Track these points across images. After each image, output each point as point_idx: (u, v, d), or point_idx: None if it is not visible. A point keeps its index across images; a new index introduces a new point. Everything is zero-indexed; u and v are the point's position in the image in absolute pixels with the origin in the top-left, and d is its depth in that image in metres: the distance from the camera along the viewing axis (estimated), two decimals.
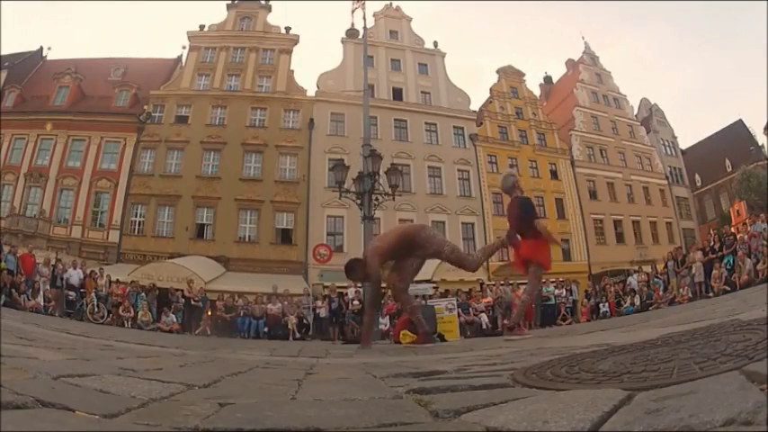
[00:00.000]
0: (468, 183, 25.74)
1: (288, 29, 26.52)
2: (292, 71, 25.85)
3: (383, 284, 5.90)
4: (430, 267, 18.64)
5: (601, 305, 13.97)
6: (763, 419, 0.63)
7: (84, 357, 2.27)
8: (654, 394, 0.94)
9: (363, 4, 12.72)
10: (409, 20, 28.91)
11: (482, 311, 13.42)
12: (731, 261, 11.26)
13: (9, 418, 0.81)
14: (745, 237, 11.42)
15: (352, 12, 13.39)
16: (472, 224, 24.85)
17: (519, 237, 5.29)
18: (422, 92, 27.12)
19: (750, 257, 10.74)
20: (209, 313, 13.45)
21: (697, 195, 34.10)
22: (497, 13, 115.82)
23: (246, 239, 22.30)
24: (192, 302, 13.63)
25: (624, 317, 11.11)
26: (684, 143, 35.43)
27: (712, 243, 12.61)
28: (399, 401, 1.23)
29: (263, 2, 27.16)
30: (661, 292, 13.14)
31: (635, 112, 33.62)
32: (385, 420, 0.95)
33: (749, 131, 35.62)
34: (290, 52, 26.12)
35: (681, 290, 12.39)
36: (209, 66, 25.39)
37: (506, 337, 5.05)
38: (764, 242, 10.59)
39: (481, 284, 16.46)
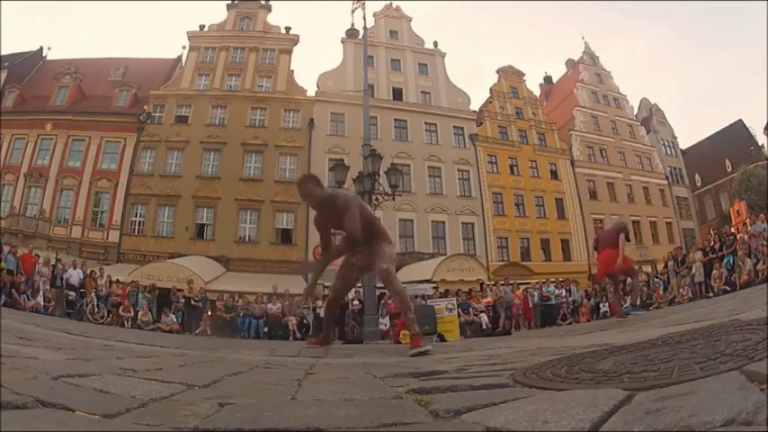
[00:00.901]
0: (468, 183, 25.74)
1: (288, 29, 26.53)
2: (292, 71, 25.87)
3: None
4: (430, 267, 18.69)
5: (601, 305, 13.94)
6: (763, 419, 0.63)
7: (85, 357, 2.27)
8: (654, 394, 0.94)
9: (363, 4, 12.72)
10: (409, 20, 28.93)
11: (482, 311, 13.40)
12: (731, 261, 11.24)
13: (9, 418, 0.81)
14: (745, 237, 11.41)
15: (352, 12, 13.39)
16: (472, 224, 24.86)
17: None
18: (422, 92, 27.13)
19: (750, 257, 10.73)
20: (210, 313, 13.43)
21: (697, 195, 34.10)
22: (497, 14, 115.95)
23: (246, 239, 22.30)
24: (192, 302, 13.63)
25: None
26: (684, 143, 35.52)
27: (712, 243, 12.59)
28: (399, 401, 1.23)
29: (263, 2, 27.16)
30: (661, 292, 13.13)
31: (635, 112, 33.63)
32: (385, 420, 0.95)
33: (749, 131, 35.64)
34: (290, 52, 26.13)
35: (681, 290, 12.38)
36: (209, 66, 25.40)
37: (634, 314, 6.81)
38: (764, 242, 10.57)
39: (481, 284, 16.47)
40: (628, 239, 7.59)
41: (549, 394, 1.13)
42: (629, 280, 7.90)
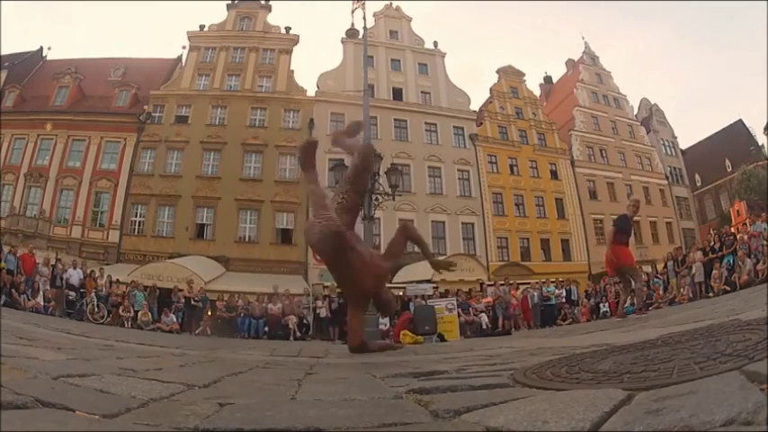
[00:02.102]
0: (468, 183, 25.74)
1: (288, 29, 26.52)
2: (292, 71, 25.87)
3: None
4: (430, 267, 18.68)
5: (601, 305, 13.95)
6: (763, 419, 0.63)
7: (84, 357, 2.27)
8: (654, 394, 0.94)
9: (363, 4, 12.69)
10: (409, 20, 28.92)
11: (482, 311, 13.41)
12: (731, 261, 11.24)
13: (9, 418, 0.81)
14: (745, 237, 11.40)
15: (352, 12, 13.35)
16: (472, 224, 24.86)
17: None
18: (422, 92, 27.11)
19: (750, 257, 10.72)
20: (210, 313, 13.44)
21: (697, 195, 34.09)
22: (497, 14, 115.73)
23: (246, 239, 22.31)
24: (192, 302, 13.64)
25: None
26: (684, 143, 35.50)
27: (712, 243, 12.59)
28: (399, 401, 1.23)
29: (263, 2, 27.16)
30: (661, 292, 13.12)
31: (635, 112, 33.63)
32: (385, 420, 0.95)
33: (749, 131, 35.62)
34: (290, 52, 26.12)
35: (681, 290, 12.37)
36: (209, 66, 25.40)
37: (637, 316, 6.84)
38: (764, 242, 10.56)
39: (481, 284, 16.47)
40: (624, 231, 7.23)
41: (548, 394, 1.13)
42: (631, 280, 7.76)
